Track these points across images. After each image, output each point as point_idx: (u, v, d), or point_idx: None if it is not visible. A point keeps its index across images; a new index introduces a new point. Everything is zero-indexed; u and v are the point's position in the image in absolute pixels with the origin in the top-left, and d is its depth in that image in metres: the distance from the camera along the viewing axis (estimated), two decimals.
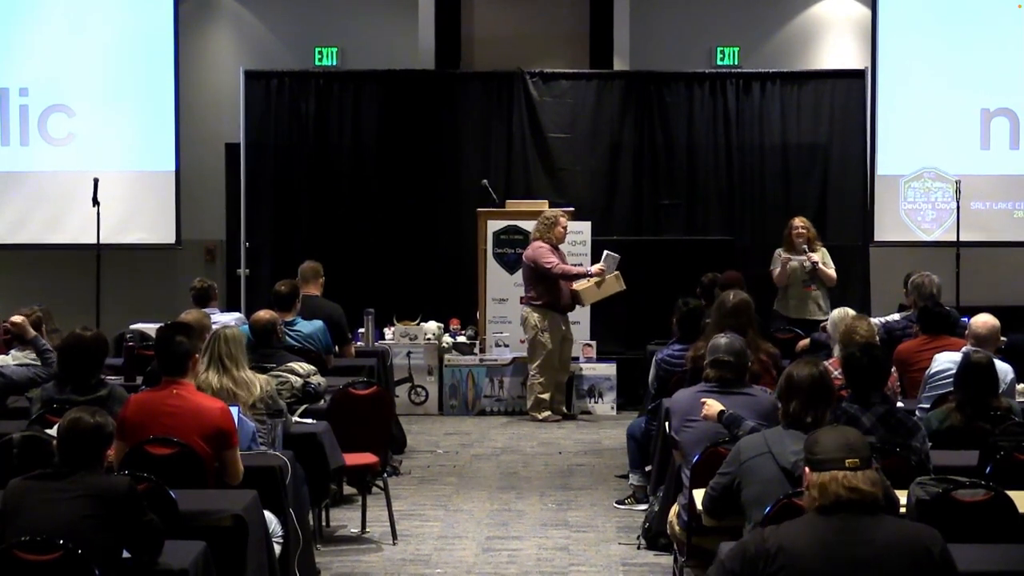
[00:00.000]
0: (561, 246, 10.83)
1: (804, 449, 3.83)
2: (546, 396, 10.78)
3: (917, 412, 6.72)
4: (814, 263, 10.54)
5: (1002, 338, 7.88)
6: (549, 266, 10.53)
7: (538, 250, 10.63)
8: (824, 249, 10.81)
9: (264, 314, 7.61)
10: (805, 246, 10.59)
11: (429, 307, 11.76)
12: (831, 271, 10.67)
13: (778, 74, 12.95)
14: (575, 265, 10.85)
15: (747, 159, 12.84)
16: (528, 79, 12.77)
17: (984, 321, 7.17)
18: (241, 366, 6.14)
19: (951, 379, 6.46)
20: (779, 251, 10.81)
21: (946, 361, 6.90)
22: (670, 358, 7.80)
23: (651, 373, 7.92)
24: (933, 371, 7.01)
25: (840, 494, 3.62)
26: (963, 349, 6.90)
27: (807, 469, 3.75)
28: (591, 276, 10.61)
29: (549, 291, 10.61)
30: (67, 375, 6.25)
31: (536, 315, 10.67)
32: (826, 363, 6.76)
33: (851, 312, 7.70)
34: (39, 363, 7.43)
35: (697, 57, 13.50)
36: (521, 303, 10.89)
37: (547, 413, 10.76)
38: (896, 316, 9.14)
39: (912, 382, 7.37)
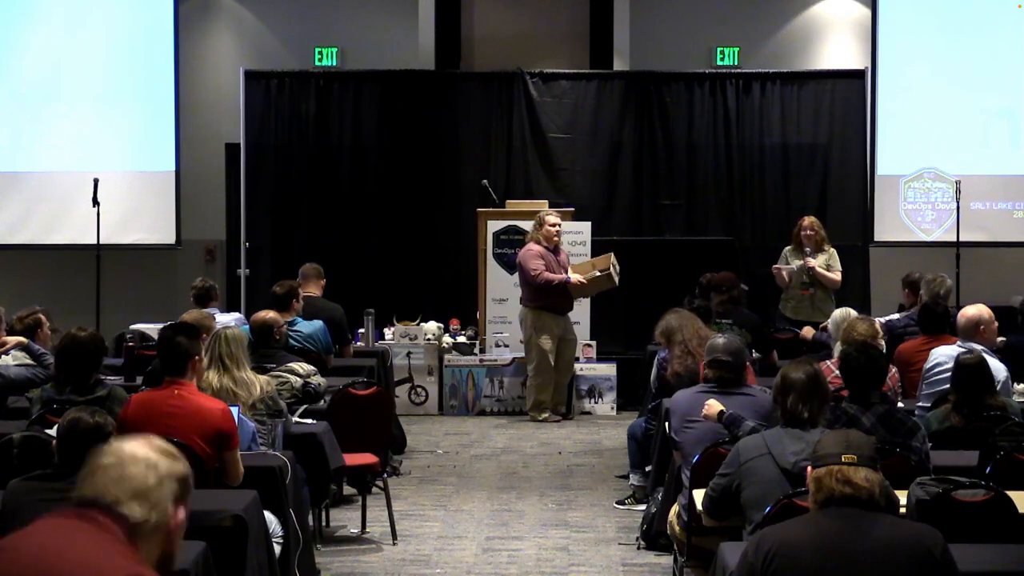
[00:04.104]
0: (562, 246, 10.81)
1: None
2: (544, 397, 10.77)
3: (916, 410, 6.77)
4: (810, 269, 10.44)
5: (1000, 338, 7.89)
6: (534, 273, 10.52)
7: (525, 254, 10.62)
8: (833, 251, 10.67)
9: (264, 314, 7.61)
10: (809, 248, 10.53)
11: (429, 307, 11.77)
12: (833, 275, 10.52)
13: (778, 74, 12.95)
14: (576, 263, 10.87)
15: (747, 159, 12.84)
16: (528, 79, 12.78)
17: (962, 313, 7.23)
18: (242, 366, 6.14)
19: (947, 372, 6.51)
20: (787, 250, 10.77)
21: (941, 355, 6.95)
22: None
23: (653, 372, 7.91)
24: (929, 366, 7.05)
25: (834, 488, 3.62)
26: (956, 344, 6.96)
27: (809, 468, 3.76)
28: (571, 283, 10.53)
29: (542, 292, 10.60)
30: (65, 376, 6.25)
31: (531, 316, 10.68)
32: (827, 362, 6.82)
33: (852, 312, 7.70)
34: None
35: (697, 57, 13.50)
36: (520, 304, 10.89)
37: (546, 414, 10.75)
38: (896, 316, 9.15)
39: (912, 382, 7.38)
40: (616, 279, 10.56)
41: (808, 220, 10.74)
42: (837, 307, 8.77)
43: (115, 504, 2.42)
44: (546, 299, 10.60)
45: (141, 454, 2.51)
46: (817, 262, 10.47)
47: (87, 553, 2.39)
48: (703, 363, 6.19)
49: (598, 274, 10.57)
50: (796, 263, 10.55)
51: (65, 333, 6.38)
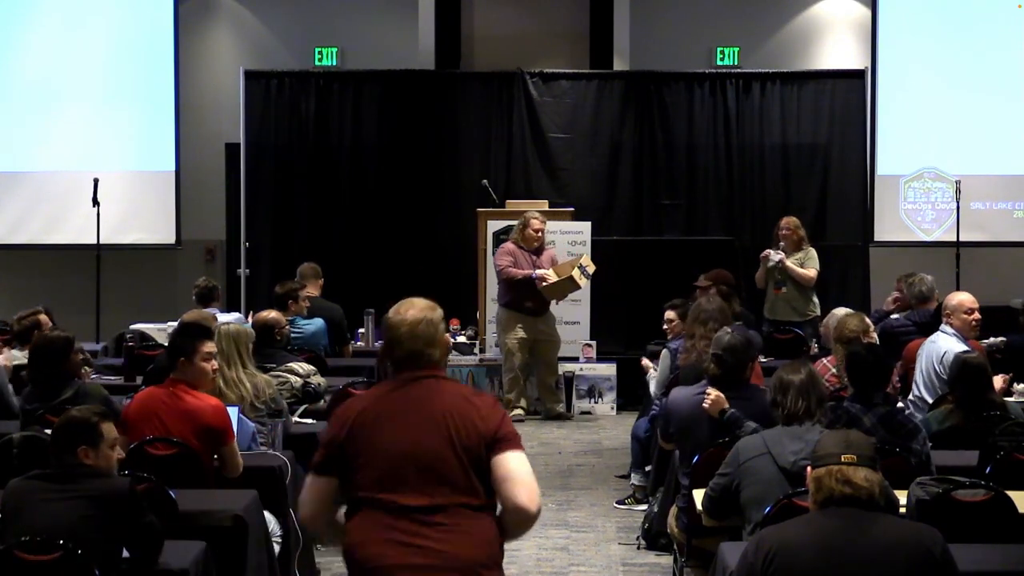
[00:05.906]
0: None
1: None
2: (511, 395, 10.74)
3: (911, 396, 6.93)
4: (777, 262, 10.36)
5: (1001, 338, 7.91)
6: (499, 268, 10.56)
7: (498, 251, 10.66)
8: (812, 250, 10.55)
9: (266, 314, 7.61)
10: (782, 244, 10.47)
11: None
12: (804, 271, 10.36)
13: (778, 74, 12.94)
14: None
15: (747, 159, 12.83)
16: (528, 79, 12.77)
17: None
18: (234, 364, 6.10)
19: (925, 359, 6.84)
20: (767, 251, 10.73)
21: (927, 342, 7.17)
22: None
23: (662, 364, 7.76)
24: (919, 354, 7.21)
25: (834, 488, 3.62)
26: (941, 328, 7.20)
27: (809, 468, 3.76)
28: (537, 279, 10.47)
29: (509, 291, 10.59)
30: (36, 379, 6.29)
31: (498, 314, 10.76)
32: (823, 361, 6.82)
33: (848, 312, 7.70)
34: None
35: (697, 57, 13.49)
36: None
37: (514, 411, 10.71)
38: (896, 316, 9.16)
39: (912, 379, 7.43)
40: (581, 281, 10.47)
41: (786, 220, 10.68)
42: (835, 307, 8.75)
43: (426, 349, 3.77)
44: (512, 297, 10.56)
45: (420, 316, 3.82)
46: (789, 259, 10.38)
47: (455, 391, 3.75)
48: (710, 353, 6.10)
49: (562, 277, 10.46)
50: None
51: (37, 335, 6.43)
